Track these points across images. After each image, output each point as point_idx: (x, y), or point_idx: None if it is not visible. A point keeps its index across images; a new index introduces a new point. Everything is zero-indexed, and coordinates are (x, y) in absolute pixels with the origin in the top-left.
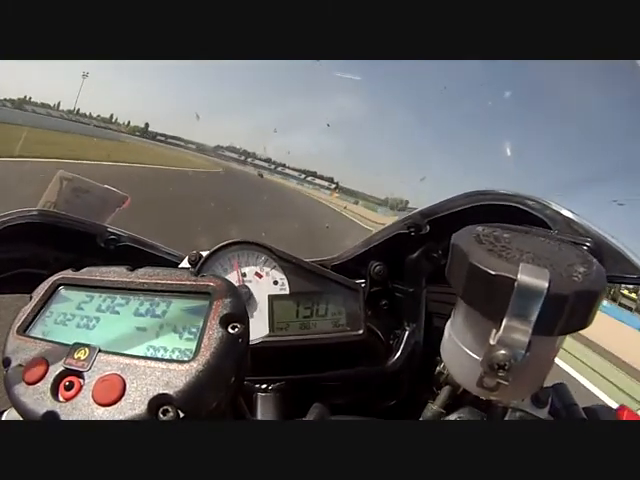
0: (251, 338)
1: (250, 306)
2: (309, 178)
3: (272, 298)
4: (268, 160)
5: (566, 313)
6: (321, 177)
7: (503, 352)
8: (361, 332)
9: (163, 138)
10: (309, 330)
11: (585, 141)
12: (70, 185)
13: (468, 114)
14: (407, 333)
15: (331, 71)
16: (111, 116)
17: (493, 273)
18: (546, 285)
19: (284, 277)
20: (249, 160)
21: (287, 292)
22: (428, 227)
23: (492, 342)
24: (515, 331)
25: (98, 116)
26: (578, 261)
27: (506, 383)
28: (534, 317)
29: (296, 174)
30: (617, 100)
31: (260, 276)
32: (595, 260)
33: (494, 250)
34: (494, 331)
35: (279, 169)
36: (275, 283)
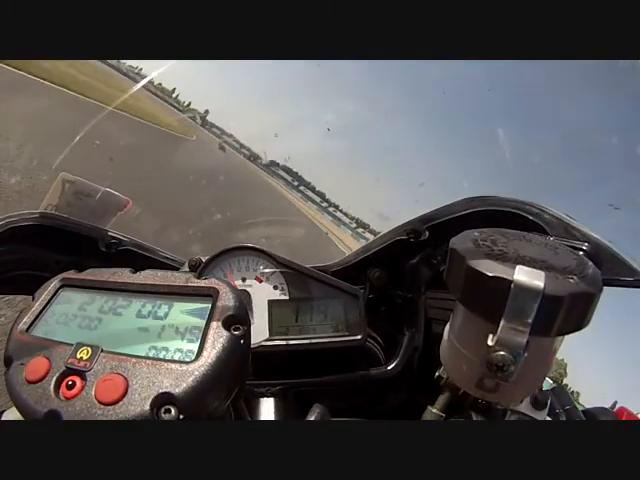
0: (251, 342)
1: (250, 311)
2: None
3: (272, 303)
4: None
5: (562, 314)
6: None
7: (501, 353)
8: (360, 337)
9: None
10: (309, 334)
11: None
12: (72, 188)
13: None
14: (406, 338)
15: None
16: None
17: (490, 275)
18: (542, 286)
19: (284, 282)
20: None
21: (287, 297)
22: (427, 233)
23: (490, 343)
24: (513, 332)
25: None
26: (574, 264)
27: (505, 384)
28: (531, 318)
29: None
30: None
31: (260, 281)
32: (591, 263)
33: (491, 254)
34: (492, 333)
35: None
36: (275, 288)
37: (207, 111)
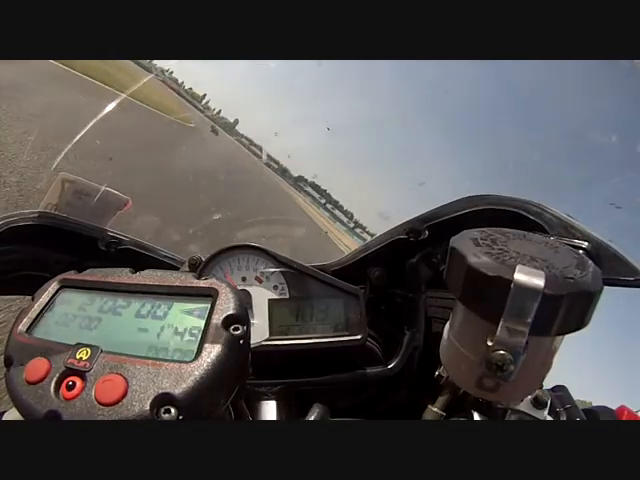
0: (252, 341)
1: (250, 310)
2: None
3: (272, 302)
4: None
5: (562, 313)
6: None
7: (501, 352)
8: (360, 337)
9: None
10: (309, 334)
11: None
12: (72, 187)
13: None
14: (407, 337)
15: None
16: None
17: (490, 274)
18: (542, 286)
19: (284, 282)
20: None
21: (287, 296)
22: (427, 232)
23: (490, 343)
24: (512, 332)
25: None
26: (574, 263)
27: (505, 383)
28: (531, 318)
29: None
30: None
31: (260, 280)
32: (591, 262)
33: (491, 253)
34: (492, 332)
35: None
36: (275, 287)
37: (237, 120)
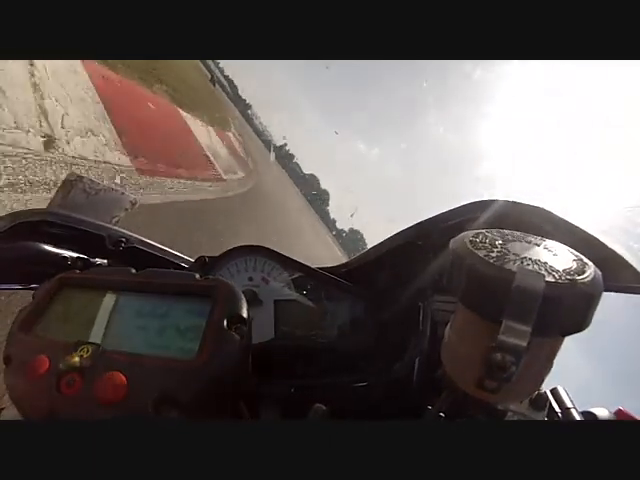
0: (256, 342)
1: (256, 310)
2: None
3: (278, 303)
4: None
5: (563, 315)
6: None
7: (502, 354)
8: (366, 339)
9: None
10: (314, 335)
11: None
12: (80, 185)
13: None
14: (413, 341)
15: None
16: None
17: (491, 276)
18: (542, 287)
19: (291, 283)
20: None
21: (293, 297)
22: (435, 236)
23: (491, 344)
24: (513, 333)
25: None
26: (574, 265)
27: (506, 384)
28: (532, 319)
29: None
30: None
31: (267, 281)
32: (591, 264)
33: (491, 255)
34: (493, 333)
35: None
36: (282, 288)
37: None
